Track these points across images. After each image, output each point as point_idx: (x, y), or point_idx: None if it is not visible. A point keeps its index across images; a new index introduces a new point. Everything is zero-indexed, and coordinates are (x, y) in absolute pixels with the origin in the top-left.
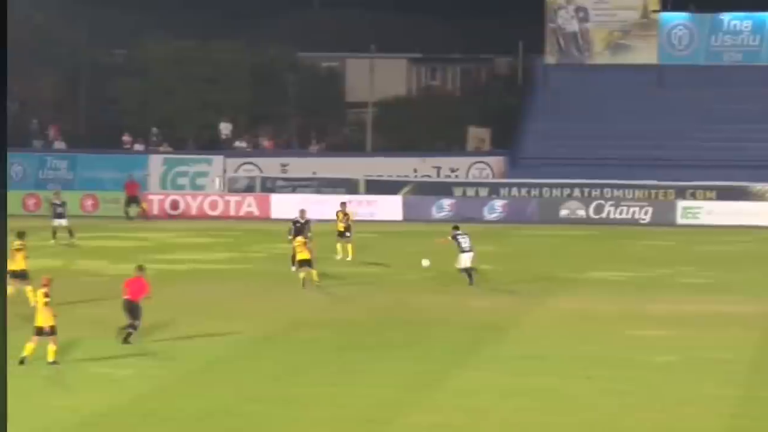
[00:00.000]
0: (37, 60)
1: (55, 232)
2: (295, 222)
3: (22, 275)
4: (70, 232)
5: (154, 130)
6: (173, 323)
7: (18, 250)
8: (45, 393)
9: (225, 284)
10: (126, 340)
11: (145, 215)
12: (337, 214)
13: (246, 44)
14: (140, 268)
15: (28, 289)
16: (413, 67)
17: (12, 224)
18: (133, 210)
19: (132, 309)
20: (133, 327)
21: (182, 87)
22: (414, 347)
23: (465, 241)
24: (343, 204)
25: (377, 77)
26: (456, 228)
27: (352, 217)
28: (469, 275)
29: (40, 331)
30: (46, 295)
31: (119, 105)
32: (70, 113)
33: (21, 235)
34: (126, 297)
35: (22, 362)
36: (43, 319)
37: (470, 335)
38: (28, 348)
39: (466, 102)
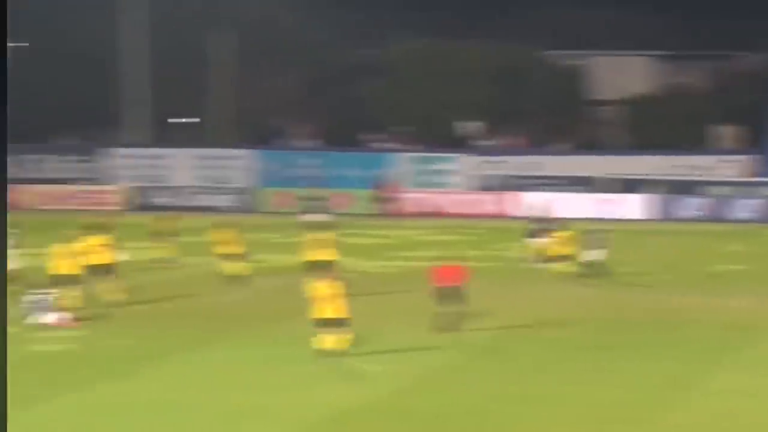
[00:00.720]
0: (285, 60)
1: (305, 227)
2: (535, 219)
3: (324, 266)
4: (319, 229)
5: (401, 128)
6: (417, 321)
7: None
8: (302, 387)
9: (469, 282)
10: (453, 327)
11: (395, 213)
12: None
13: (491, 43)
14: (452, 259)
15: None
16: (658, 64)
17: (265, 221)
18: (382, 207)
19: (454, 294)
20: (456, 313)
21: (428, 86)
22: (664, 348)
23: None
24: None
25: (622, 75)
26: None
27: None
28: (592, 268)
29: (341, 322)
30: (338, 286)
31: (366, 104)
32: (318, 112)
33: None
34: (448, 284)
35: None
36: (338, 309)
37: (724, 336)
38: (331, 341)
39: (712, 100)
